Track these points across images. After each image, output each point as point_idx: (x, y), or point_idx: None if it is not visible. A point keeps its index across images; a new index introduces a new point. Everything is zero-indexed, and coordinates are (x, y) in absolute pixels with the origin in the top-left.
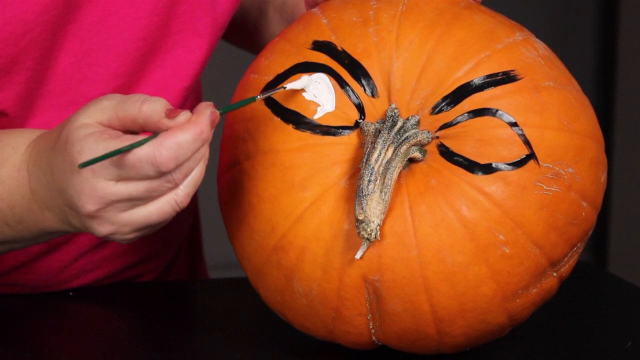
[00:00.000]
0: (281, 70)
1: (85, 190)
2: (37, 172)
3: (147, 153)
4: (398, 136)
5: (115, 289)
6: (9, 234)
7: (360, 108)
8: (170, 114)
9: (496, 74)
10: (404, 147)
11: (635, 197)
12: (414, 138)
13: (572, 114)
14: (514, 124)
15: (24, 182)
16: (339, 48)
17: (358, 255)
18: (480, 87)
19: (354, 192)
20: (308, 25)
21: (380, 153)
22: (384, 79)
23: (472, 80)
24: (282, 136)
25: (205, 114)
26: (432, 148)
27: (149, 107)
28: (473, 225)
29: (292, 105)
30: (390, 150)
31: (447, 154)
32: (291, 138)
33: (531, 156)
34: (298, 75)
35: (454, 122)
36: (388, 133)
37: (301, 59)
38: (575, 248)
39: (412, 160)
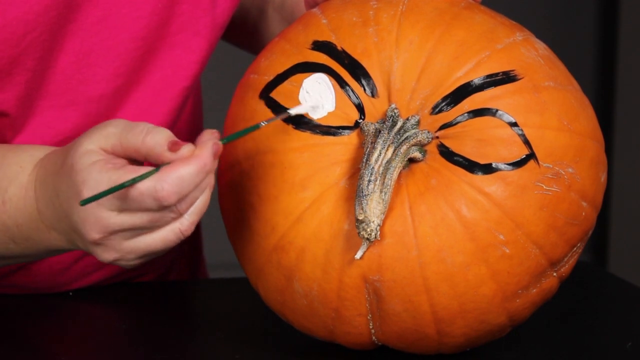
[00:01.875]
0: (281, 70)
1: (89, 219)
2: (44, 194)
3: (149, 187)
4: (398, 136)
5: (115, 289)
6: (15, 251)
7: (360, 108)
8: (172, 147)
9: (496, 74)
10: (404, 147)
11: (635, 197)
12: (414, 138)
13: (572, 114)
14: (514, 124)
15: (30, 202)
16: (339, 48)
17: (358, 256)
18: (480, 87)
19: (354, 192)
20: (308, 25)
21: (380, 153)
22: (384, 79)
23: (472, 80)
24: (282, 136)
25: (208, 147)
26: (432, 148)
27: (152, 139)
28: (473, 225)
29: (291, 105)
30: (390, 150)
31: (447, 154)
32: (291, 138)
33: (531, 156)
34: (301, 77)
35: (454, 122)
36: (388, 133)
37: (301, 59)
38: (575, 248)
39: (412, 160)
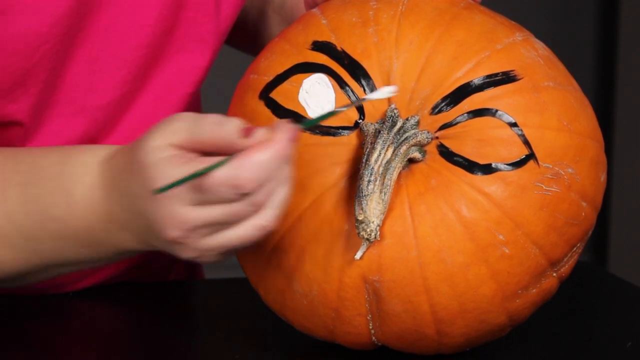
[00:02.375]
0: (281, 70)
1: (166, 216)
2: (114, 195)
3: (226, 175)
4: (398, 136)
5: (115, 289)
6: (85, 255)
7: (359, 108)
8: (246, 133)
9: (496, 74)
10: (404, 148)
11: (635, 197)
12: (413, 138)
13: (572, 114)
14: (513, 124)
15: (99, 203)
16: (339, 48)
17: (358, 256)
18: (480, 88)
19: (353, 193)
20: (308, 25)
21: (380, 153)
22: (384, 80)
23: (471, 81)
24: None
25: (284, 130)
26: (432, 148)
27: (223, 129)
28: (473, 225)
29: (291, 106)
30: (390, 150)
31: (447, 154)
32: None
33: (531, 156)
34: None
35: (453, 123)
36: (388, 133)
37: (301, 60)
38: (575, 248)
39: (411, 161)
